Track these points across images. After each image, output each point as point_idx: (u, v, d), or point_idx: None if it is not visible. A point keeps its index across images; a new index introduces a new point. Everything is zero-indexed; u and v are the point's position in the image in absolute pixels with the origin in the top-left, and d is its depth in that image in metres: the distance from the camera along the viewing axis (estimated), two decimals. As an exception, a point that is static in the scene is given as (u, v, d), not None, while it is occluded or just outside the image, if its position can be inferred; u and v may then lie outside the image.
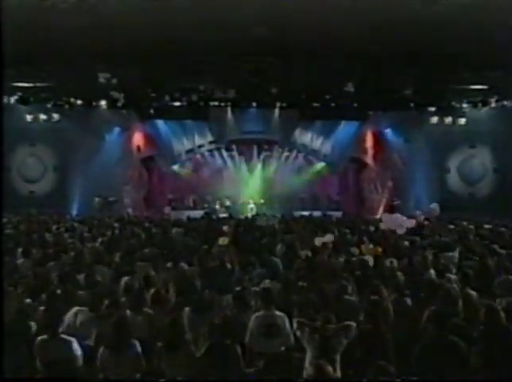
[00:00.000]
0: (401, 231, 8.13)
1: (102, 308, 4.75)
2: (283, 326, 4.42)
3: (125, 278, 5.92)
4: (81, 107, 17.20)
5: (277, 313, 4.52)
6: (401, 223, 8.56)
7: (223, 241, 8.09)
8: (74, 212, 17.84)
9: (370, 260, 6.53)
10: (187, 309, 4.74)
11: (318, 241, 7.79)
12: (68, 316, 4.63)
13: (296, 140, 21.90)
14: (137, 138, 20.66)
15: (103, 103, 16.95)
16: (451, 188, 18.71)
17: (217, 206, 21.89)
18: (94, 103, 17.12)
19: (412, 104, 17.10)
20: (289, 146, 22.27)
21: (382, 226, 9.15)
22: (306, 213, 17.68)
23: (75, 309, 4.73)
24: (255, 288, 5.45)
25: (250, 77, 13.91)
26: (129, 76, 13.25)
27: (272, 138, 21.46)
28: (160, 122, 20.99)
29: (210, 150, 22.50)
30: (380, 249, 7.42)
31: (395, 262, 6.65)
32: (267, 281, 5.72)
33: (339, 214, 18.45)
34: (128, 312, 4.61)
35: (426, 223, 12.34)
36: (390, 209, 17.44)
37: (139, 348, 3.98)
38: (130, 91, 15.43)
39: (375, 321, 4.11)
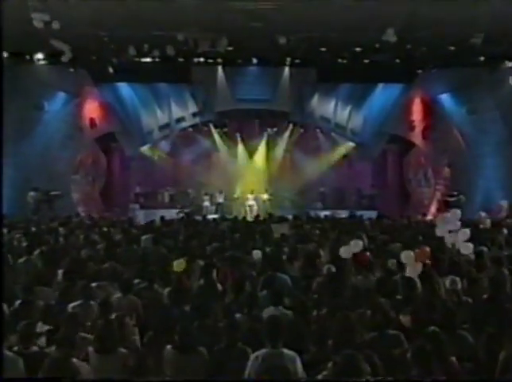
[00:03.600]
0: (466, 251, 8.11)
1: (35, 347, 4.71)
2: (293, 369, 4.41)
3: (73, 305, 5.92)
4: (8, 62, 17.08)
5: (286, 351, 4.53)
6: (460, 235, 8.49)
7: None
8: None
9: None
10: (167, 347, 4.77)
11: (344, 251, 7.85)
12: None
13: (313, 111, 21.90)
14: (91, 109, 20.64)
15: (40, 56, 16.89)
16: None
17: (203, 203, 21.95)
18: (27, 57, 17.03)
19: (481, 58, 16.94)
20: (304, 119, 22.29)
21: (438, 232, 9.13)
22: (327, 213, 17.68)
23: None
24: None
25: (249, 22, 13.83)
26: (78, 18, 13.16)
27: (280, 108, 21.46)
28: (122, 86, 21.04)
29: (193, 126, 22.52)
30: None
31: (458, 281, 6.71)
32: (272, 307, 5.73)
33: (373, 214, 18.46)
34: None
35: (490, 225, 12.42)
36: (446, 207, 17.41)
37: None
38: (80, 40, 15.33)
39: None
